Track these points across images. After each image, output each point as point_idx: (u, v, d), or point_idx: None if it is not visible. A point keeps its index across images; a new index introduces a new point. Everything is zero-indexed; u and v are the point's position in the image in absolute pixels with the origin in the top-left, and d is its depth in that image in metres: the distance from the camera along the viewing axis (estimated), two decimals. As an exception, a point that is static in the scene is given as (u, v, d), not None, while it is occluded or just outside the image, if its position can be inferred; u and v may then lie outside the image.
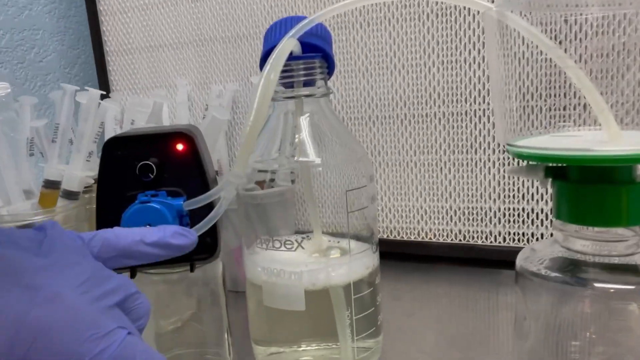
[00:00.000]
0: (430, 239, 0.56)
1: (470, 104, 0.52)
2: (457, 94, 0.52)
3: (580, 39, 0.31)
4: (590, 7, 0.27)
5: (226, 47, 0.65)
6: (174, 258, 0.30)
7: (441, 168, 0.54)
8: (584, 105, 0.29)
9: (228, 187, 0.29)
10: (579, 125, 0.30)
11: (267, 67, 0.31)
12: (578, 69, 0.26)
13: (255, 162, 0.36)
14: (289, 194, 0.41)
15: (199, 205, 0.29)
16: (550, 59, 0.28)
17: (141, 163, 0.28)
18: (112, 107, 0.49)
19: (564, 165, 0.28)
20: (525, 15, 0.29)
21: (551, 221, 0.50)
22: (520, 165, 0.30)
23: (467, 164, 0.53)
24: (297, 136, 0.36)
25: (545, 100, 0.30)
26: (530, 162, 0.29)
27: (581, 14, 0.28)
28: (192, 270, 0.31)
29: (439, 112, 0.53)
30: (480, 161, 0.52)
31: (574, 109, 0.30)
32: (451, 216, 0.54)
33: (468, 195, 0.53)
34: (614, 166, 0.26)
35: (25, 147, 0.48)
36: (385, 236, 0.57)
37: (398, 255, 0.56)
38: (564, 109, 0.30)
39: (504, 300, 0.48)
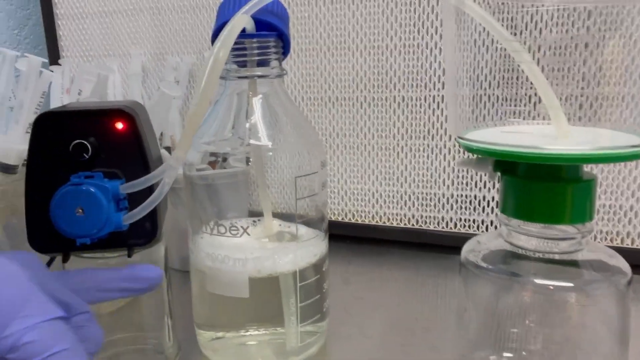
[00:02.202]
0: (384, 222, 0.56)
1: (430, 90, 0.51)
2: (416, 79, 0.52)
3: (541, 30, 0.30)
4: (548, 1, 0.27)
5: (184, 16, 0.62)
6: (111, 242, 0.28)
7: (397, 153, 0.54)
8: (537, 98, 0.29)
9: (169, 171, 0.27)
10: (530, 119, 0.29)
11: (217, 44, 0.29)
12: (533, 64, 0.26)
13: (206, 144, 0.35)
14: (241, 176, 0.40)
15: (137, 189, 0.27)
16: (505, 49, 0.28)
17: (75, 142, 0.27)
18: (57, 76, 0.46)
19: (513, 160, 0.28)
20: (484, 2, 0.28)
21: (503, 210, 0.51)
22: (470, 157, 0.30)
23: (423, 149, 0.53)
24: (249, 118, 0.34)
25: (497, 91, 0.30)
26: (480, 156, 0.29)
27: (542, 5, 0.27)
28: (129, 255, 0.29)
29: (398, 96, 0.53)
30: (436, 147, 0.52)
31: (527, 101, 0.30)
32: (405, 201, 0.54)
33: (422, 180, 0.53)
34: (561, 164, 0.26)
35: (-40, 115, 0.45)
36: (340, 219, 0.57)
37: (351, 238, 0.56)
38: (516, 100, 0.30)
39: (452, 286, 0.48)
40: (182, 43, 0.63)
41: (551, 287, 0.27)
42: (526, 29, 0.30)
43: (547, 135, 0.27)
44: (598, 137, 0.27)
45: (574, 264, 0.28)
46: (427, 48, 0.51)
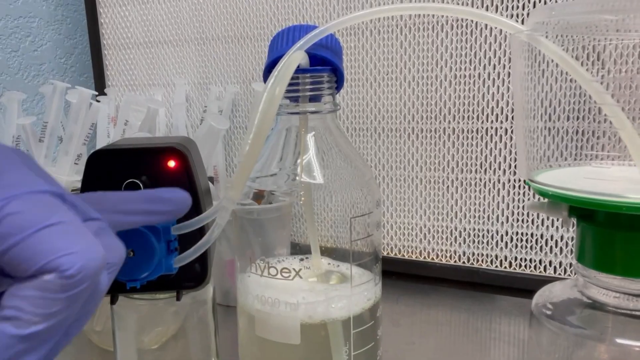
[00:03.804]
0: (433, 259, 0.53)
1: (482, 122, 0.49)
2: (468, 110, 0.50)
3: (616, 63, 0.28)
4: (633, 32, 0.25)
5: (228, 47, 0.62)
6: (160, 284, 0.27)
7: (448, 186, 0.52)
8: (615, 136, 0.26)
9: (221, 213, 0.26)
10: (609, 159, 0.27)
11: (272, 80, 0.28)
12: (616, 107, 0.24)
13: (252, 182, 0.34)
14: (286, 209, 0.39)
15: (188, 230, 0.26)
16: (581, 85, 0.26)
17: (128, 181, 0.26)
18: (104, 108, 0.46)
19: (592, 206, 0.25)
20: (557, 36, 0.26)
21: (561, 249, 0.48)
22: (542, 201, 0.28)
23: (475, 183, 0.50)
24: (300, 157, 0.33)
25: (574, 129, 0.28)
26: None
27: (617, 39, 0.25)
28: (178, 298, 0.28)
29: (449, 127, 0.51)
30: (490, 181, 0.50)
31: (606, 139, 0.27)
32: (455, 237, 0.52)
33: (475, 216, 0.51)
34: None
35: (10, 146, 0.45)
36: (385, 254, 0.55)
37: (397, 274, 0.54)
38: (596, 139, 0.28)
39: (507, 331, 0.45)
40: (226, 73, 0.63)
41: (637, 349, 0.25)
42: (598, 60, 0.28)
43: (632, 180, 0.25)
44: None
45: (661, 321, 0.26)
46: (479, 79, 0.49)
